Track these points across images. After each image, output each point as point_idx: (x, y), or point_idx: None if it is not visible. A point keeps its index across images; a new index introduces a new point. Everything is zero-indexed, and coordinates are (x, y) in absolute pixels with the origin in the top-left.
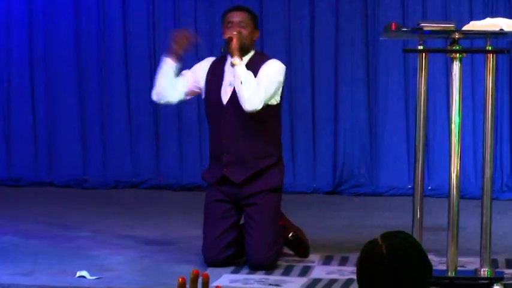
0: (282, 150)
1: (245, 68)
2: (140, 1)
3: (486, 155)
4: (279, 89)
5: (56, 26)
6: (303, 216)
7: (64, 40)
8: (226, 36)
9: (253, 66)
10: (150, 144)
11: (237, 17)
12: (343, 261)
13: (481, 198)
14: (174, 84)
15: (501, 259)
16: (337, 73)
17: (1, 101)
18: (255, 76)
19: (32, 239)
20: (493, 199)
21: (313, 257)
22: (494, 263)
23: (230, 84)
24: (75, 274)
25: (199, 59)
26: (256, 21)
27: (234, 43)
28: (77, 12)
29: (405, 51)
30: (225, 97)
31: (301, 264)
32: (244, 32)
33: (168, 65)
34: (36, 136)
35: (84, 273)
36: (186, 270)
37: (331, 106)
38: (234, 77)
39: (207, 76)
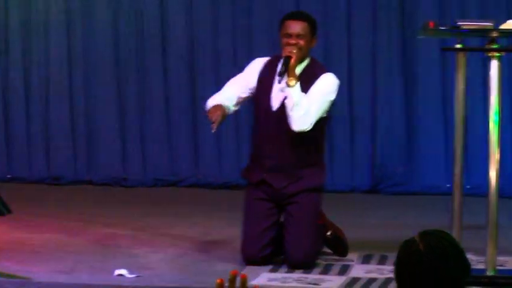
0: (324, 157)
1: (299, 90)
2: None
3: None
4: (329, 106)
5: (94, 24)
6: (341, 215)
7: (102, 39)
8: (285, 54)
9: (307, 78)
10: (188, 142)
11: (296, 28)
12: (382, 260)
13: None
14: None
15: None
16: (374, 71)
17: (40, 100)
18: (308, 89)
19: (71, 238)
20: None
21: (352, 255)
22: None
23: (282, 91)
24: (115, 272)
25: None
26: (315, 29)
27: (292, 63)
28: (115, 10)
29: (444, 49)
30: (275, 103)
31: (340, 263)
32: (302, 43)
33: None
34: (75, 135)
35: (123, 271)
36: (225, 269)
37: (369, 105)
38: (287, 97)
39: (258, 79)
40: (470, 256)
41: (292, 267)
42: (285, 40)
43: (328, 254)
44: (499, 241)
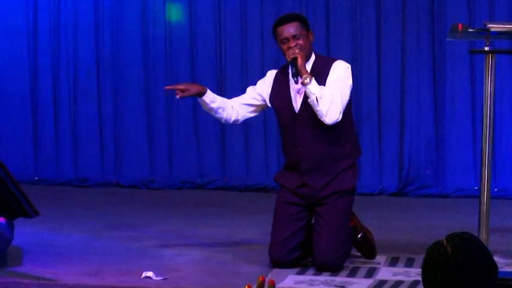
0: (359, 147)
1: (317, 84)
2: (206, 2)
3: None
4: (350, 92)
5: (123, 27)
6: (369, 217)
7: (131, 41)
8: (290, 58)
9: (319, 72)
10: (215, 145)
11: (289, 30)
12: (410, 263)
13: None
14: (226, 108)
15: None
16: (403, 73)
17: (68, 101)
18: (324, 83)
19: (98, 239)
20: None
21: (380, 258)
22: None
23: (299, 92)
24: (142, 274)
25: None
26: (307, 24)
27: (300, 63)
28: (143, 13)
29: (472, 52)
30: (296, 105)
31: (367, 266)
32: (302, 43)
33: (203, 105)
34: (102, 137)
35: (149, 273)
36: (252, 271)
37: (397, 106)
38: (308, 94)
39: (272, 89)
40: (497, 259)
41: (320, 269)
42: (284, 46)
43: (355, 256)
44: None
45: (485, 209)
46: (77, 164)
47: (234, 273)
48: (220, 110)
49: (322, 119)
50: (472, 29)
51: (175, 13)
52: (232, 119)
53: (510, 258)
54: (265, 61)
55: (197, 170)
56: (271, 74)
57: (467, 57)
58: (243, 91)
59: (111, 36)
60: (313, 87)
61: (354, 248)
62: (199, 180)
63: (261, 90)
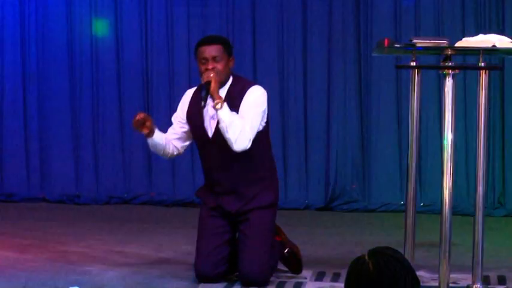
0: (275, 166)
1: (228, 111)
2: (133, 15)
3: (479, 171)
4: (264, 117)
5: (49, 42)
6: (295, 232)
7: (57, 56)
8: (204, 80)
9: (234, 96)
10: (142, 160)
11: (210, 51)
12: (336, 278)
13: (473, 214)
14: (166, 145)
15: (493, 275)
16: (329, 89)
17: None
18: (238, 107)
19: (24, 255)
20: (485, 215)
21: (306, 273)
22: (486, 280)
23: (213, 118)
24: None
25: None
26: (230, 49)
27: (213, 87)
28: (69, 27)
29: (398, 67)
30: (210, 131)
31: (294, 280)
32: (220, 67)
33: (149, 141)
34: (28, 151)
35: None
36: (179, 286)
37: (323, 122)
38: (218, 120)
39: (188, 111)
40: (423, 273)
41: (246, 284)
42: (202, 67)
43: (282, 271)
44: (452, 259)
45: (411, 224)
46: (2, 179)
47: None
48: (165, 147)
49: (232, 147)
50: (399, 44)
51: (101, 27)
52: (175, 153)
53: (435, 273)
54: (192, 74)
55: (123, 185)
56: (188, 94)
57: (394, 72)
58: (169, 103)
59: (36, 50)
60: (223, 113)
61: (280, 262)
62: (125, 195)
63: (182, 115)
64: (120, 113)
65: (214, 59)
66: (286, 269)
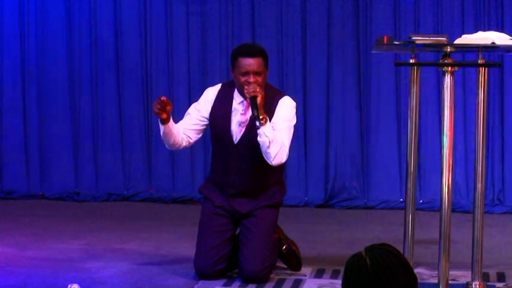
0: (284, 173)
1: (271, 127)
2: (132, 13)
3: (478, 168)
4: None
5: (48, 40)
6: (294, 229)
7: (56, 54)
8: (250, 95)
9: (268, 106)
10: (141, 157)
11: (254, 66)
12: (335, 275)
13: (472, 211)
14: (178, 135)
15: (492, 272)
16: (328, 86)
17: None
18: (271, 116)
19: (24, 252)
20: (484, 213)
21: (305, 270)
22: (485, 277)
23: (240, 125)
24: (67, 287)
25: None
26: (268, 62)
27: (260, 102)
28: (69, 25)
29: (397, 64)
30: (236, 136)
31: (293, 278)
32: (261, 80)
33: (163, 128)
34: (28, 148)
35: (75, 286)
36: (178, 283)
37: (323, 119)
38: (260, 135)
39: (213, 112)
40: (422, 270)
41: (246, 281)
42: (242, 78)
43: (281, 268)
44: (451, 255)
45: (410, 221)
46: (1, 176)
47: (160, 285)
48: (176, 137)
49: (269, 161)
50: (398, 41)
51: (100, 23)
52: (183, 144)
53: (435, 270)
54: (191, 72)
55: (123, 182)
56: (210, 93)
57: (393, 69)
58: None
59: (35, 48)
60: (267, 129)
61: (279, 260)
62: (125, 192)
63: (205, 113)
64: (119, 110)
65: (255, 72)
66: (285, 266)
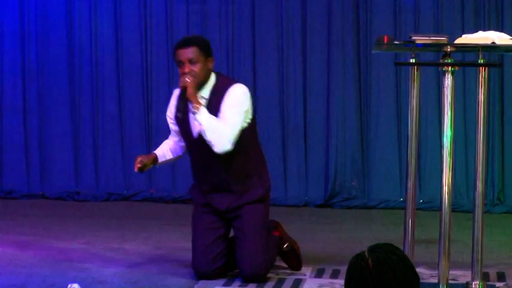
0: (264, 161)
1: (206, 114)
2: (133, 13)
3: (478, 168)
4: (246, 116)
5: (49, 38)
6: (295, 228)
7: (57, 53)
8: (180, 85)
9: (217, 97)
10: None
11: (185, 54)
12: (335, 274)
13: (472, 211)
14: (172, 152)
15: (492, 272)
16: (328, 85)
17: None
18: (219, 108)
19: (24, 252)
20: (484, 212)
21: (305, 269)
22: (485, 276)
23: (196, 119)
24: (67, 287)
25: None
26: (208, 49)
27: (189, 92)
28: (69, 24)
29: (397, 64)
30: (195, 131)
31: (293, 277)
32: (196, 69)
33: (158, 165)
34: (28, 148)
35: (75, 285)
36: (178, 283)
37: (323, 119)
38: (199, 124)
39: (175, 111)
40: (422, 270)
41: (245, 280)
42: (179, 70)
43: (281, 267)
44: (451, 255)
45: (410, 221)
46: (2, 176)
47: (160, 285)
48: (172, 156)
49: (213, 149)
50: (398, 41)
51: (101, 23)
52: (183, 151)
53: (435, 269)
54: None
55: (123, 182)
56: (174, 94)
57: (393, 69)
58: (169, 100)
59: (36, 47)
60: (201, 117)
61: (279, 259)
62: (125, 192)
63: (171, 116)
64: (119, 110)
65: (190, 61)
66: (285, 265)
